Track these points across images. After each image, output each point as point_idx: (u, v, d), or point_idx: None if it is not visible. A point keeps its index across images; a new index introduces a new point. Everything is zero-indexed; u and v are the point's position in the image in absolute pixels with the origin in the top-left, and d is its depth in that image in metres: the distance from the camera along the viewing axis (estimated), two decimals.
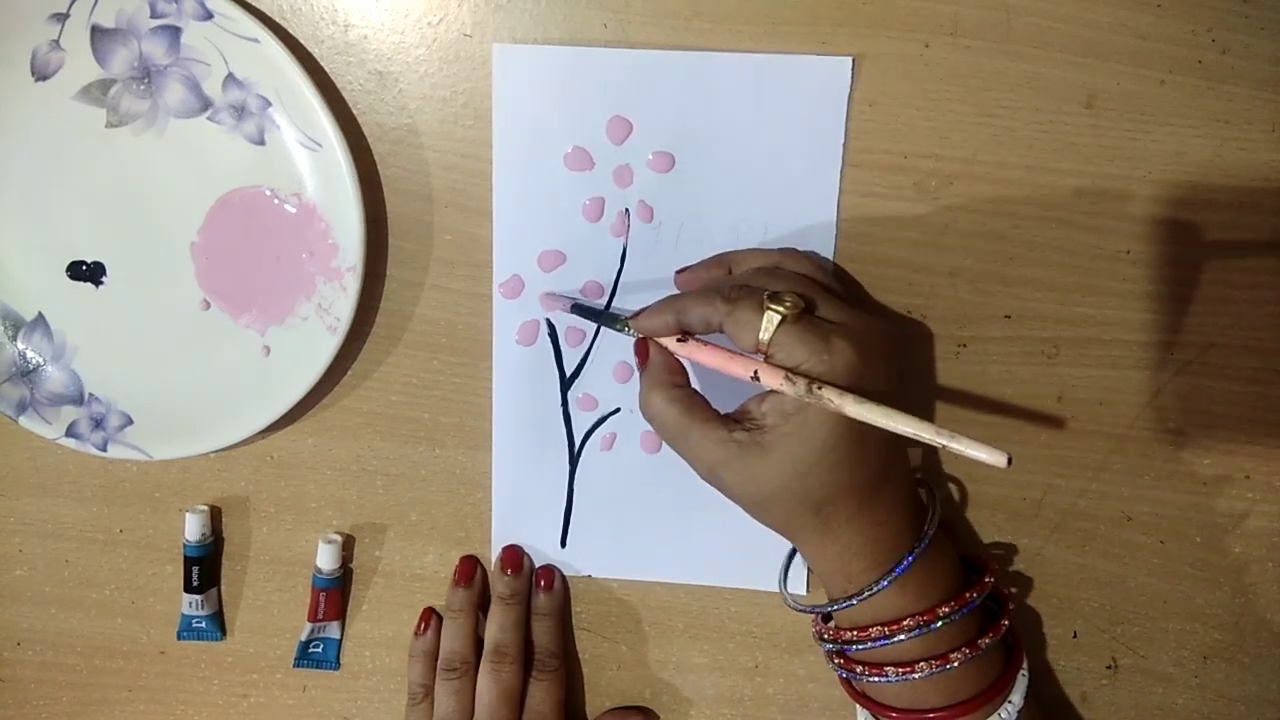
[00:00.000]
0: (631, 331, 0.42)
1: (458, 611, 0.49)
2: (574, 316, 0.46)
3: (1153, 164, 0.43)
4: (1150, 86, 0.42)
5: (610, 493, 0.49)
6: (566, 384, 0.48)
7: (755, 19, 0.43)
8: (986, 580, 0.41)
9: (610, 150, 0.44)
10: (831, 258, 0.45)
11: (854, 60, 0.42)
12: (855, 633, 0.40)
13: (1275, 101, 0.42)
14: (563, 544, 0.50)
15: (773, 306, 0.37)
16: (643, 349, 0.42)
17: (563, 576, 0.50)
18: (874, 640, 0.39)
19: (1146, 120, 0.42)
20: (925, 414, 0.46)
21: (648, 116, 0.44)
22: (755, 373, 0.37)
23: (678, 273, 0.45)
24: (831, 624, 0.42)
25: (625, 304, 0.46)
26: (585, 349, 0.47)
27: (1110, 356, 0.45)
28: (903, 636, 0.39)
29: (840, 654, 0.41)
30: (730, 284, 0.39)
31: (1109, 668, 0.49)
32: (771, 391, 0.38)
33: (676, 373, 0.41)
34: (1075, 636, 0.48)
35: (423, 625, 0.50)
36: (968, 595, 0.40)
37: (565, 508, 0.49)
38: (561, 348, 0.47)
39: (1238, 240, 0.43)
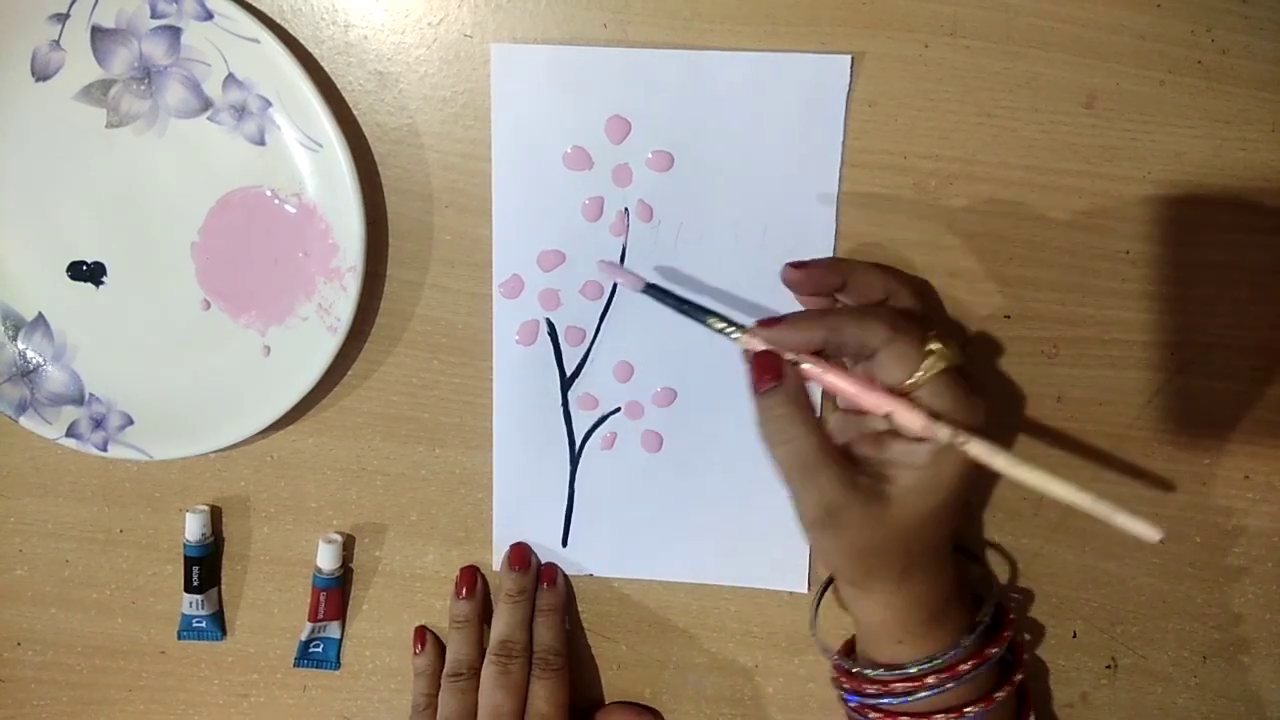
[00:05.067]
0: (739, 338, 0.38)
1: (464, 622, 0.49)
2: (574, 317, 0.46)
3: (1153, 164, 0.43)
4: (1150, 86, 0.42)
5: (611, 492, 0.49)
6: (567, 383, 0.48)
7: (755, 19, 0.43)
8: (1006, 635, 0.42)
9: (609, 150, 0.44)
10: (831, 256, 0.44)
11: (852, 58, 0.42)
12: (878, 687, 0.40)
13: (1275, 101, 0.42)
14: (563, 543, 0.50)
15: (937, 347, 0.36)
16: (769, 364, 0.37)
17: (564, 573, 0.50)
18: (896, 696, 0.40)
19: (1146, 120, 0.42)
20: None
21: (646, 116, 0.44)
22: (889, 412, 0.36)
23: (788, 265, 0.39)
24: (855, 671, 0.42)
25: (624, 306, 0.46)
26: (585, 348, 0.47)
27: (1110, 356, 0.45)
28: (924, 694, 0.39)
29: (861, 707, 0.42)
30: (891, 310, 0.38)
31: (1109, 668, 0.49)
32: (896, 440, 0.37)
33: (809, 397, 0.38)
34: (1075, 636, 0.48)
35: (419, 645, 0.51)
36: (988, 652, 0.40)
37: (566, 507, 0.49)
38: (561, 347, 0.47)
39: (1238, 240, 0.43)
